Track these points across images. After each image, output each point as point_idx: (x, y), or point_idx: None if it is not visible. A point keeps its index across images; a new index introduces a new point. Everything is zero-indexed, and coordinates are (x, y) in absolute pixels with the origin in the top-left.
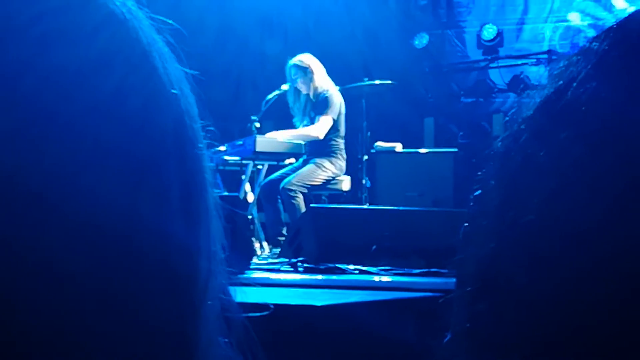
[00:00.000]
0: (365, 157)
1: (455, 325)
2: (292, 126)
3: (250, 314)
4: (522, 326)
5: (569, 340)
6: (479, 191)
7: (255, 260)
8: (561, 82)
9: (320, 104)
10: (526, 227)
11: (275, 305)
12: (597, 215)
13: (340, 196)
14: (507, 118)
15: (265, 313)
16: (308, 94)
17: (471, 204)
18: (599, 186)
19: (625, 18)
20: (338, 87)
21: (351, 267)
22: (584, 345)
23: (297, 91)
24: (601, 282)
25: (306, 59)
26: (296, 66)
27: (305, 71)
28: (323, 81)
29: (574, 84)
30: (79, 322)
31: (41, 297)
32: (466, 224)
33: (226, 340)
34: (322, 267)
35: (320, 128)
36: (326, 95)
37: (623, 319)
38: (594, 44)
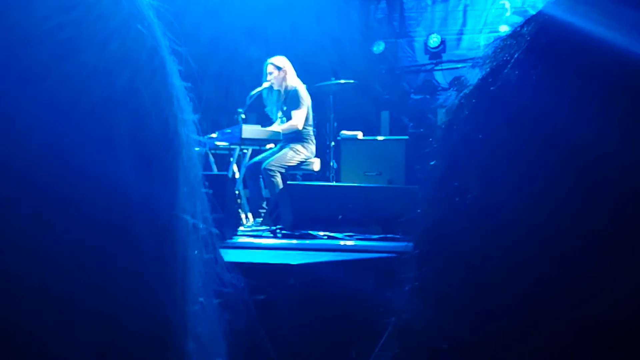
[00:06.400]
0: (333, 143)
1: (408, 283)
2: (269, 116)
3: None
4: (462, 284)
5: (501, 295)
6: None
7: (241, 228)
8: (495, 63)
9: (291, 99)
10: (465, 196)
11: (258, 264)
12: (524, 187)
13: (312, 175)
14: (446, 106)
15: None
16: (279, 90)
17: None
18: (525, 162)
19: (547, 6)
20: (305, 85)
21: (321, 233)
22: (513, 299)
23: (270, 86)
24: (526, 245)
25: (280, 60)
26: (272, 65)
27: (279, 70)
28: (293, 80)
29: (507, 68)
30: (67, 270)
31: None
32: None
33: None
34: (296, 233)
35: (298, 119)
36: (296, 91)
37: (549, 275)
38: (524, 29)
